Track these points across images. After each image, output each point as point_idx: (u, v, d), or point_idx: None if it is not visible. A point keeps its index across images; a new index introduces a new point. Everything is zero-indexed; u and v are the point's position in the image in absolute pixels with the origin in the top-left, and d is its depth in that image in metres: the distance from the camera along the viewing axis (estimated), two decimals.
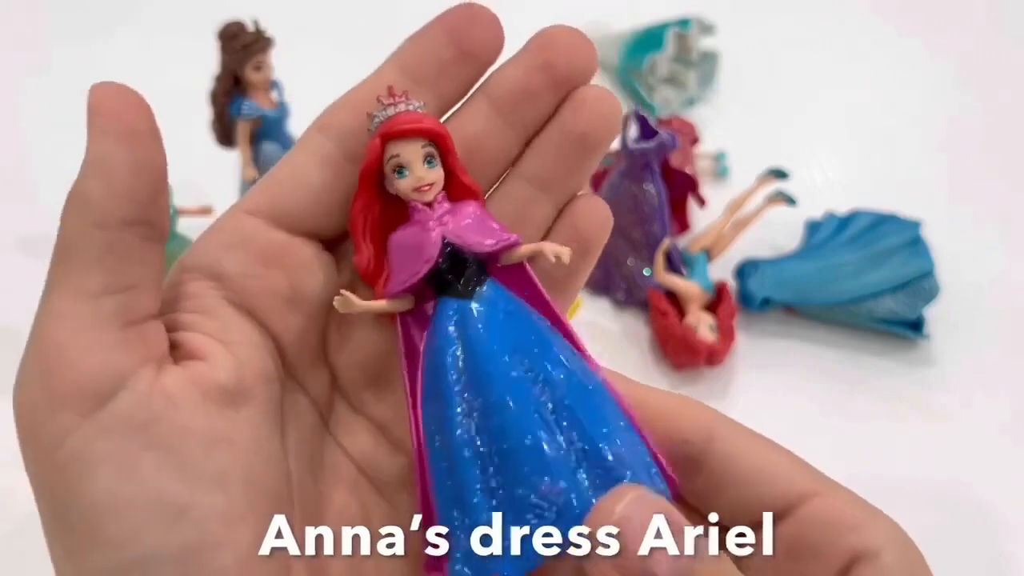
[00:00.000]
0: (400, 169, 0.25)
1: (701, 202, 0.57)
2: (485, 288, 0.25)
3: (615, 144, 0.52)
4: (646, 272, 0.52)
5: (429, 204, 0.25)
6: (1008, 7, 0.80)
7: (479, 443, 0.23)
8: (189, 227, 0.48)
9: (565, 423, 0.23)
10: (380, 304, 0.25)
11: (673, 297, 0.51)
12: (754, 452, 0.25)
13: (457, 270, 0.25)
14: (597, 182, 0.58)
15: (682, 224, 0.57)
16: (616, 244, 0.53)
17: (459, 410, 0.23)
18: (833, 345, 0.51)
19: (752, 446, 0.25)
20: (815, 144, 0.67)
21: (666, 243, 0.51)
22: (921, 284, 0.50)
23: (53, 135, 0.63)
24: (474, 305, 0.25)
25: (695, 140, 0.61)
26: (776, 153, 0.59)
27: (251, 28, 0.48)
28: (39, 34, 0.76)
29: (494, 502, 0.23)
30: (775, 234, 0.55)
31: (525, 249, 0.25)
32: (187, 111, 0.53)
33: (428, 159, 0.25)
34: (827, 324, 0.52)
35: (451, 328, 0.24)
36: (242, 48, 0.47)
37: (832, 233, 0.54)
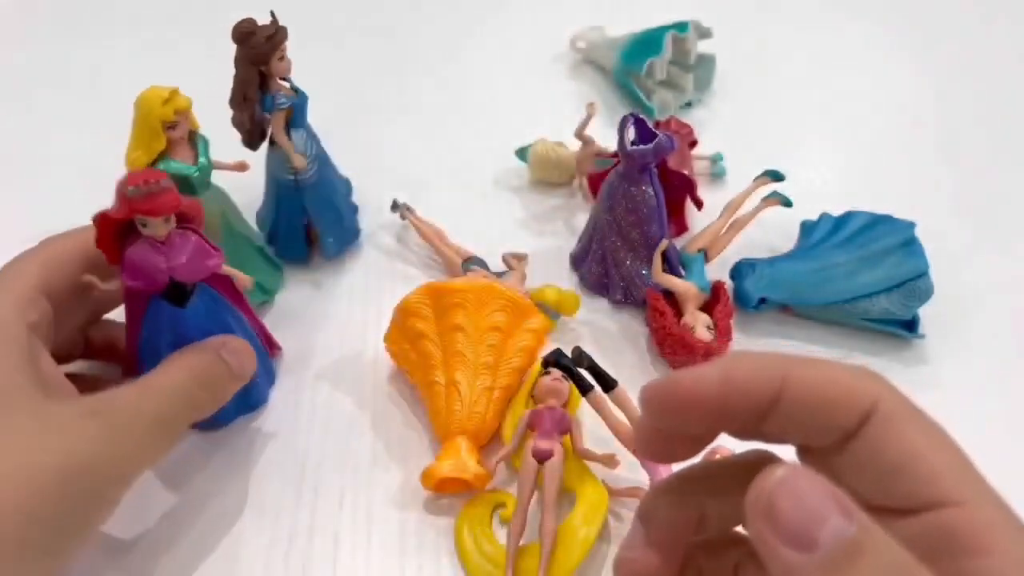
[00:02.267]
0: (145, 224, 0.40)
1: (699, 204, 0.58)
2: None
3: (613, 146, 0.53)
4: (644, 272, 0.53)
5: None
6: (1002, 8, 0.81)
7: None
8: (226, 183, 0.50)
9: None
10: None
11: (671, 297, 0.52)
12: (909, 440, 0.24)
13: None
14: (596, 184, 0.59)
15: (680, 226, 0.58)
16: (614, 245, 0.53)
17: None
18: (828, 344, 0.52)
19: (910, 433, 0.24)
20: (811, 146, 0.68)
21: (664, 244, 0.52)
22: (916, 284, 0.51)
23: (64, 135, 0.64)
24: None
25: (693, 142, 0.61)
26: (772, 155, 0.60)
27: (261, 22, 0.48)
28: (51, 36, 0.77)
29: None
30: (771, 235, 0.56)
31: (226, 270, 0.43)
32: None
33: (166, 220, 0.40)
34: (822, 324, 0.53)
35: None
36: (266, 40, 0.47)
37: (827, 234, 0.54)
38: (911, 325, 0.52)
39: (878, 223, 0.54)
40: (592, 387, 0.44)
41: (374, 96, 0.71)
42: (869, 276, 0.51)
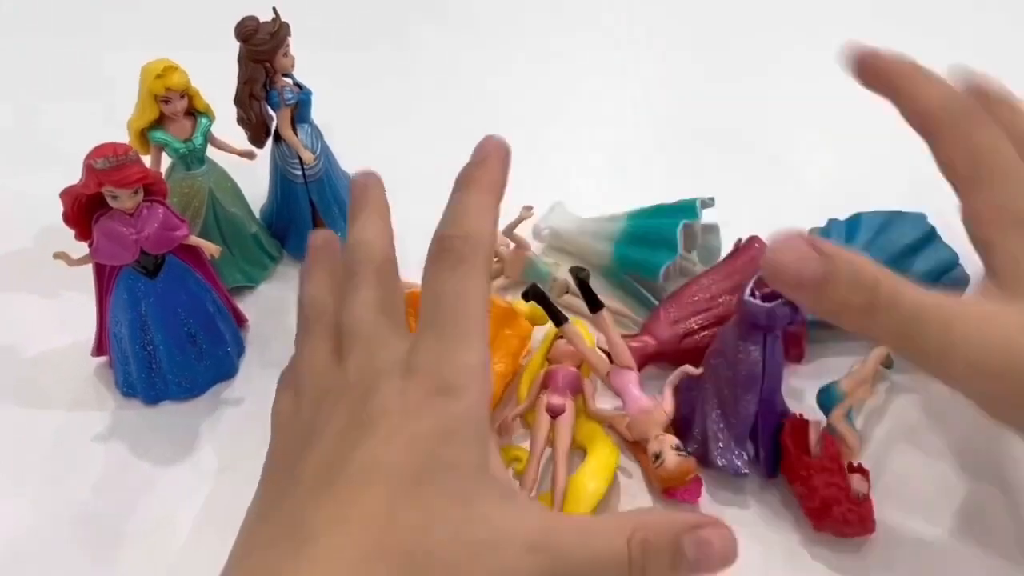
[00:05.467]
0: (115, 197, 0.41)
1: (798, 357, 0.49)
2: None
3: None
4: (720, 442, 0.44)
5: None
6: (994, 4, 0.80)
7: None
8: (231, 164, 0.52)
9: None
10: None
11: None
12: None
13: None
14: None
15: (797, 353, 0.48)
16: (706, 393, 0.44)
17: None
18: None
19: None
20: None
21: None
22: (952, 276, 0.49)
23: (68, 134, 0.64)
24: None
25: None
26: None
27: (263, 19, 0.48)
28: (54, 33, 0.77)
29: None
30: None
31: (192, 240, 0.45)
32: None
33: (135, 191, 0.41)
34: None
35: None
36: (271, 36, 0.48)
37: (843, 242, 0.50)
38: None
39: (891, 222, 0.51)
40: (567, 319, 0.45)
41: (372, 95, 0.70)
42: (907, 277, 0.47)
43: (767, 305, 0.41)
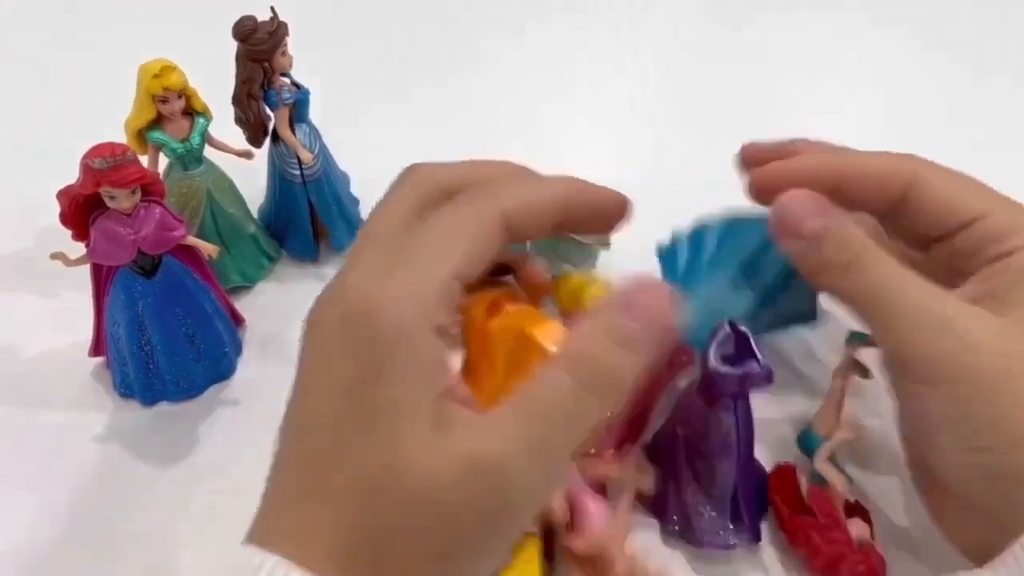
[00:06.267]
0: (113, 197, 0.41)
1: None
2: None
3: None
4: (702, 512, 0.41)
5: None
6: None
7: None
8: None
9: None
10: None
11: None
12: (945, 187, 0.36)
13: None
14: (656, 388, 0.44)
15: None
16: (678, 466, 0.41)
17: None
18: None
19: (945, 183, 0.36)
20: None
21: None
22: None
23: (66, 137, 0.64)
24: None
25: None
26: None
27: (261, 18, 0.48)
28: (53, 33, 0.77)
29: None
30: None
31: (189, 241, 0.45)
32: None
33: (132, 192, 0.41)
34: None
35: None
36: (269, 36, 0.48)
37: (692, 256, 0.44)
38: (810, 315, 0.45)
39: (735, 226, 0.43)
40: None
41: (370, 95, 0.70)
42: (758, 284, 0.42)
43: (738, 371, 0.37)
